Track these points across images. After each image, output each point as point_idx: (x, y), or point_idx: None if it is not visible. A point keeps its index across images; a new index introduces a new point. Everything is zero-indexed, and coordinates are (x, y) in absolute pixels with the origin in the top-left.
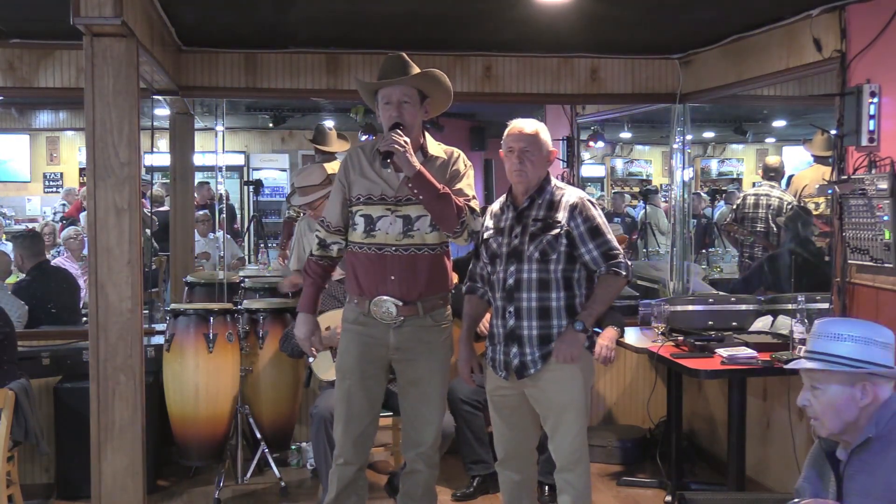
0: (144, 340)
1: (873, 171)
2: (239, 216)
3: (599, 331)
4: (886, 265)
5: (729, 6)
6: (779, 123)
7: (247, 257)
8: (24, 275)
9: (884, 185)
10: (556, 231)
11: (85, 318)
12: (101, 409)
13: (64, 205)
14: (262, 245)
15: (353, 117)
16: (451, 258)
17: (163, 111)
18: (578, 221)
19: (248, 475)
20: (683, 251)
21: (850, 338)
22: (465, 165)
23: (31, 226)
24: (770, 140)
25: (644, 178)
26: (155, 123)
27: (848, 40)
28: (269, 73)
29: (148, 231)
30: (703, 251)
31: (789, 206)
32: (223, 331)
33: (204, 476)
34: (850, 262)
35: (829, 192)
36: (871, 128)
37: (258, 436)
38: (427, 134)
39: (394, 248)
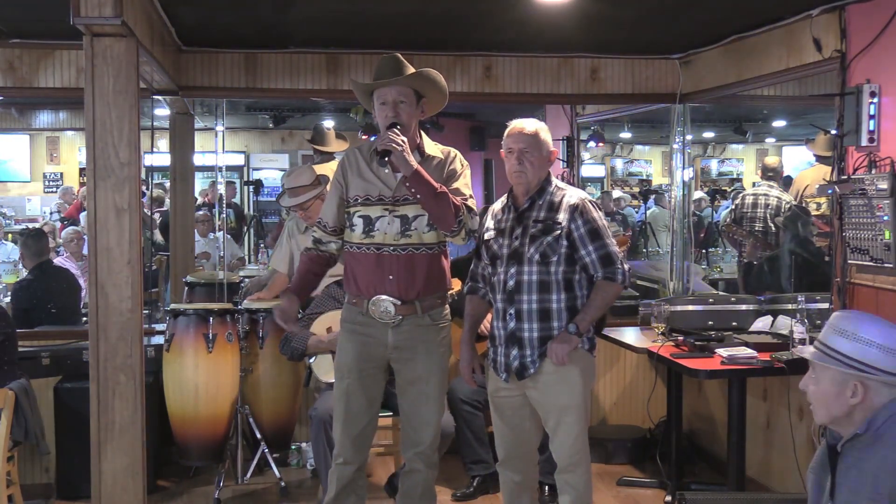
0: (144, 340)
1: (873, 171)
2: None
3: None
4: (886, 265)
5: (729, 6)
6: (779, 123)
7: (247, 257)
8: (25, 273)
9: (884, 185)
10: (557, 232)
11: (85, 318)
12: (101, 409)
13: (61, 204)
14: (261, 245)
15: (353, 117)
16: (448, 258)
17: (163, 111)
18: (579, 223)
19: (248, 475)
20: (683, 251)
21: (853, 336)
22: (462, 165)
23: (31, 226)
24: (770, 140)
25: (644, 178)
26: (155, 123)
27: (848, 40)
28: (269, 73)
29: (148, 232)
30: (703, 251)
31: (788, 206)
32: (223, 331)
33: (204, 476)
34: (850, 262)
35: (829, 192)
36: (871, 128)
37: (258, 436)
38: (424, 134)
39: (392, 248)
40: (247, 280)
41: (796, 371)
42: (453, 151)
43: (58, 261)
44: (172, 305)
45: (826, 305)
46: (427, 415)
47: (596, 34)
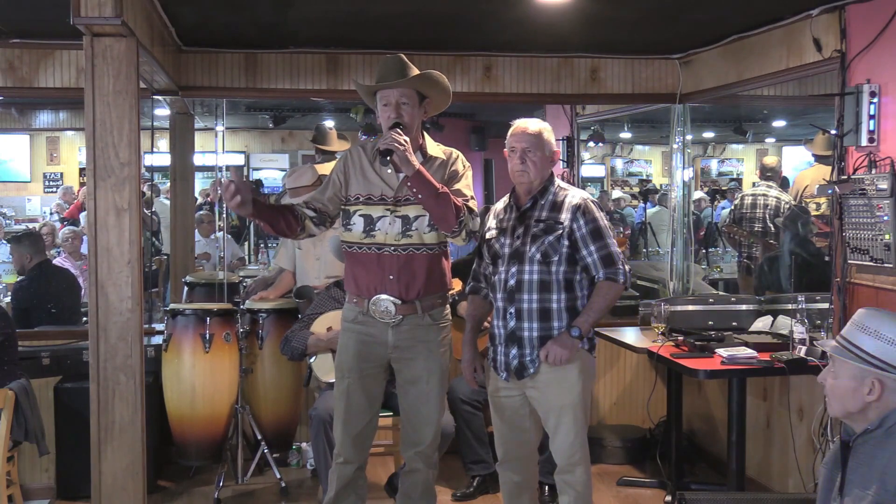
0: (144, 340)
1: (873, 171)
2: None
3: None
4: (886, 265)
5: (729, 6)
6: (779, 123)
7: (247, 257)
8: (23, 275)
9: (884, 185)
10: (558, 232)
11: (85, 318)
12: (101, 409)
13: (60, 204)
14: (262, 245)
15: (353, 117)
16: (449, 259)
17: (163, 111)
18: (581, 223)
19: (248, 475)
20: (684, 251)
21: (876, 334)
22: (464, 166)
23: (31, 226)
24: (770, 140)
25: (644, 177)
26: (155, 123)
27: (848, 40)
28: (269, 73)
29: (148, 232)
30: (703, 251)
31: (787, 206)
32: (220, 331)
33: (204, 476)
34: (850, 262)
35: (829, 192)
36: (871, 128)
37: (258, 436)
38: (426, 134)
39: (392, 248)
40: (247, 280)
41: (796, 371)
42: (455, 152)
43: (58, 261)
44: (171, 305)
45: (826, 305)
46: (427, 414)
47: (596, 34)
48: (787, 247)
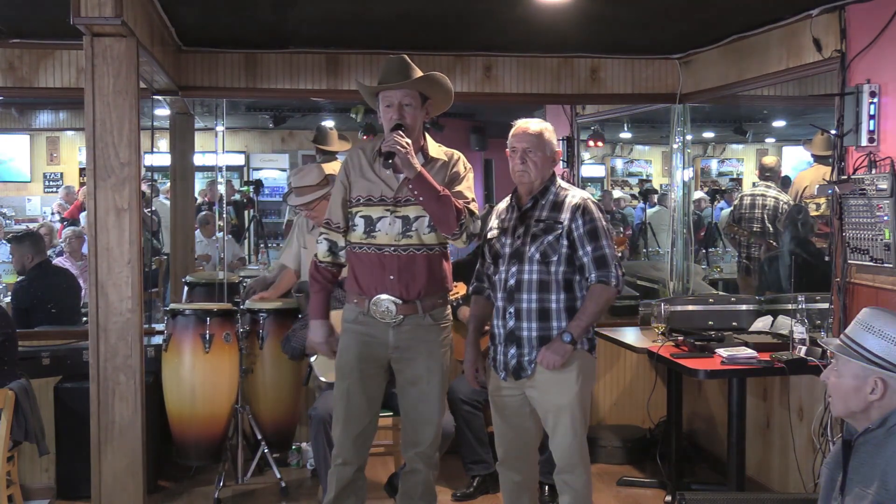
0: (144, 340)
1: (873, 171)
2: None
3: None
4: (886, 265)
5: (729, 6)
6: (779, 123)
7: (247, 257)
8: (23, 275)
9: (884, 185)
10: (558, 232)
11: (85, 318)
12: (101, 409)
13: (61, 204)
14: (262, 245)
15: (354, 117)
16: (449, 260)
17: (163, 111)
18: (579, 223)
19: (248, 475)
20: (684, 251)
21: (880, 333)
22: (465, 168)
23: (31, 226)
24: (770, 140)
25: (644, 177)
26: (155, 123)
27: (848, 40)
28: (269, 73)
29: (148, 233)
30: (703, 251)
31: (786, 206)
32: (220, 331)
33: (204, 476)
34: (850, 262)
35: (829, 192)
36: (871, 128)
37: (258, 436)
38: (427, 136)
39: (392, 248)
40: (247, 280)
41: (796, 371)
42: (457, 154)
43: (58, 261)
44: (171, 305)
45: (826, 305)
46: (428, 414)
47: (596, 34)
48: (786, 247)
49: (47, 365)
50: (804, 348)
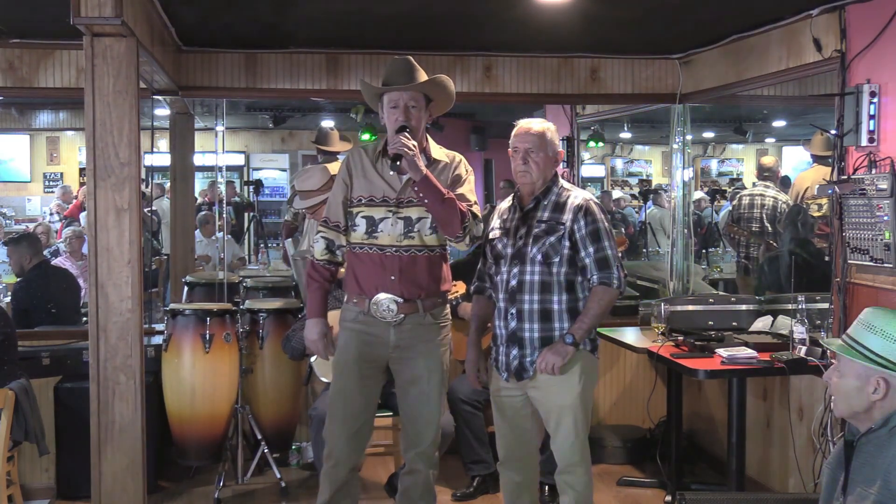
0: (144, 340)
1: (873, 171)
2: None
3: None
4: (886, 265)
5: (729, 6)
6: (779, 123)
7: (247, 257)
8: (21, 276)
9: (884, 185)
10: (560, 233)
11: (85, 318)
12: (101, 409)
13: (60, 204)
14: (262, 245)
15: (354, 117)
16: (448, 260)
17: (163, 111)
18: (581, 224)
19: (248, 475)
20: (683, 251)
21: (882, 333)
22: (467, 171)
23: (31, 226)
24: (770, 140)
25: (644, 177)
26: (155, 123)
27: (848, 40)
28: (269, 73)
29: (148, 233)
30: (703, 251)
31: (784, 206)
32: (220, 331)
33: (204, 476)
34: (850, 262)
35: (830, 192)
36: (871, 128)
37: (258, 436)
38: (429, 137)
39: (394, 249)
40: (247, 280)
41: (796, 371)
42: (458, 156)
43: (57, 261)
44: (171, 305)
45: (826, 305)
46: (428, 415)
47: (596, 34)
48: (785, 246)
49: (47, 365)
50: (804, 348)
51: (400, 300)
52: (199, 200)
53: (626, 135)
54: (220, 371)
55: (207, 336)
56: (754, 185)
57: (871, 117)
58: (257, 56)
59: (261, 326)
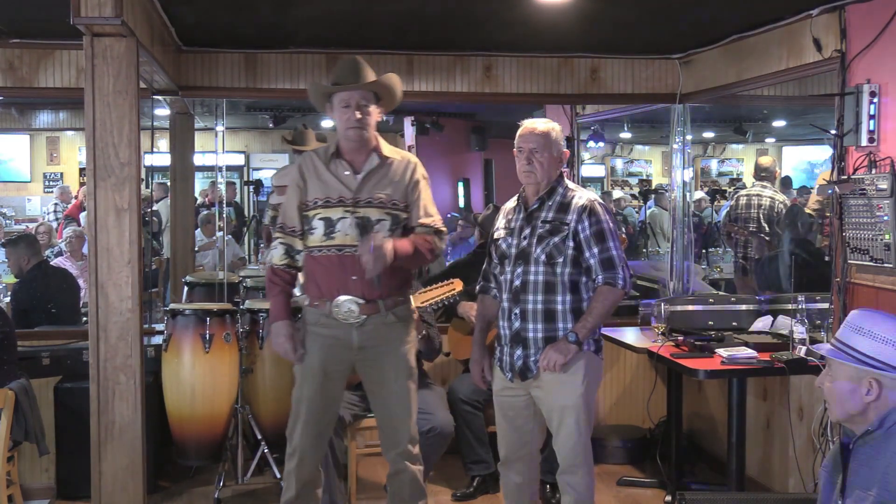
0: (144, 340)
1: (873, 171)
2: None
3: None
4: (886, 265)
5: (729, 6)
6: (779, 123)
7: (247, 257)
8: (20, 277)
9: (884, 185)
10: (564, 233)
11: (85, 318)
12: (101, 409)
13: (58, 204)
14: (261, 245)
15: None
16: None
17: (163, 111)
18: (585, 224)
19: (248, 475)
20: (683, 251)
21: (870, 334)
22: (424, 177)
23: (31, 226)
24: (770, 140)
25: (644, 177)
26: (155, 123)
27: (848, 40)
28: (269, 73)
29: (148, 234)
30: (703, 251)
31: (782, 206)
32: (220, 331)
33: (204, 476)
34: (850, 262)
35: (830, 191)
36: (871, 128)
37: (258, 436)
38: (379, 136)
39: (354, 249)
40: (247, 280)
41: (796, 371)
42: (413, 159)
43: (57, 261)
44: (171, 305)
45: (826, 305)
46: (401, 413)
47: (596, 34)
48: (784, 246)
49: (47, 365)
50: (804, 348)
51: (361, 301)
52: (200, 201)
53: (626, 135)
54: (219, 371)
55: (207, 336)
56: (752, 185)
57: (871, 117)
58: (257, 56)
59: (261, 326)
